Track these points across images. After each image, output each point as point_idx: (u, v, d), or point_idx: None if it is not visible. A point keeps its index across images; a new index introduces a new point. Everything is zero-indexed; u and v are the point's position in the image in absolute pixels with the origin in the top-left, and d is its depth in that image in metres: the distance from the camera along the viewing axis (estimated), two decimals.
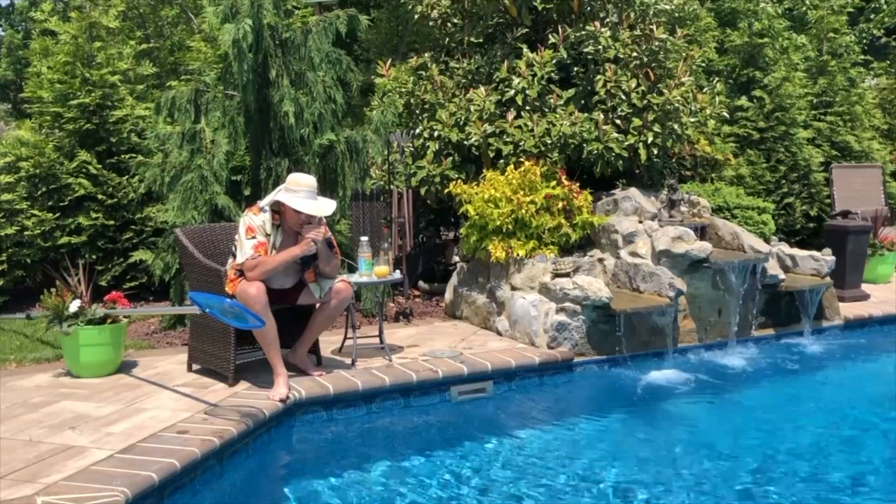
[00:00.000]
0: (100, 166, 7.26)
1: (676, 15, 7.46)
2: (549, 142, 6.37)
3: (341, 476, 3.94)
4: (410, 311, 6.59)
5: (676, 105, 6.51)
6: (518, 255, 5.87)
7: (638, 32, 6.76)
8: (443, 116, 6.84)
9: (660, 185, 6.87)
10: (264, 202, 4.64)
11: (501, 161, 6.53)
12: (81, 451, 3.71)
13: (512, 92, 6.57)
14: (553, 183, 6.17)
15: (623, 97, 6.51)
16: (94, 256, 7.09)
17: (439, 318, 6.59)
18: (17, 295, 7.18)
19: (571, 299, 5.43)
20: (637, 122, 6.46)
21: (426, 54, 7.54)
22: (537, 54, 6.63)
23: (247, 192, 6.42)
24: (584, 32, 6.66)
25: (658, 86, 6.66)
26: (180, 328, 6.13)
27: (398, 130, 7.34)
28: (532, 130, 6.43)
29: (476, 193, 6.14)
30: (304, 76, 6.23)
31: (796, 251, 6.75)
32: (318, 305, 4.82)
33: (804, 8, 11.75)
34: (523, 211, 5.93)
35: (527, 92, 6.51)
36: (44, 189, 7.23)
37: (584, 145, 6.38)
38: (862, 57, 10.62)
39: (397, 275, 5.46)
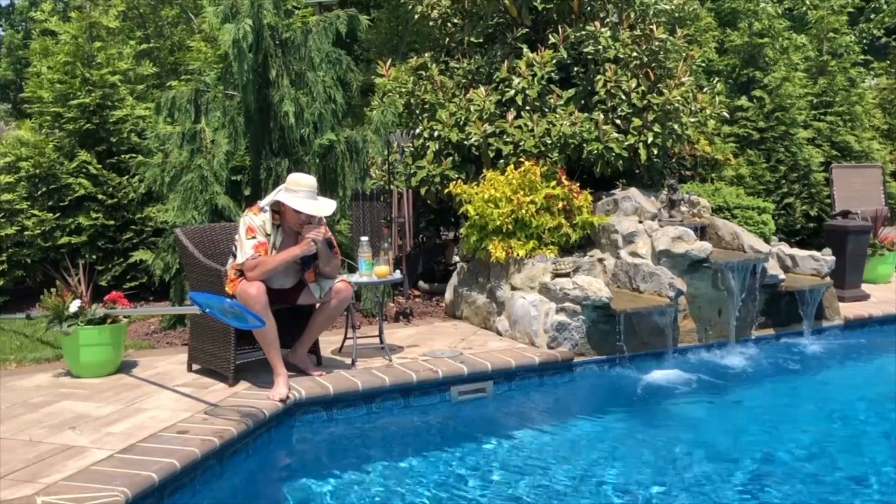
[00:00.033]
0: (100, 166, 7.26)
1: (676, 15, 7.46)
2: (549, 142, 6.37)
3: (341, 476, 3.94)
4: (410, 311, 6.59)
5: (676, 105, 6.51)
6: (518, 255, 5.87)
7: (638, 32, 6.76)
8: (443, 116, 6.84)
9: (660, 185, 6.87)
10: (264, 202, 4.64)
11: (501, 161, 6.53)
12: (81, 451, 3.71)
13: (512, 92, 6.57)
14: (553, 183, 6.17)
15: (623, 97, 6.51)
16: (94, 256, 7.09)
17: (439, 318, 6.60)
18: (17, 295, 7.18)
19: (571, 299, 5.43)
20: (637, 122, 6.46)
21: (426, 54, 7.54)
22: (537, 54, 6.63)
23: (247, 192, 6.42)
24: (584, 32, 6.66)
25: (658, 86, 6.66)
26: (180, 328, 6.13)
27: (398, 130, 7.34)
28: (532, 130, 6.43)
29: (476, 193, 6.14)
30: (304, 76, 6.24)
31: (796, 251, 6.75)
32: (318, 305, 4.82)
33: (804, 8, 11.75)
34: (523, 211, 5.93)
35: (527, 92, 6.51)
36: (44, 189, 7.23)
37: (584, 145, 6.38)
38: (862, 57, 10.63)
39: (397, 275, 5.46)
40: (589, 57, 6.69)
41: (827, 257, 6.61)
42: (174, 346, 5.81)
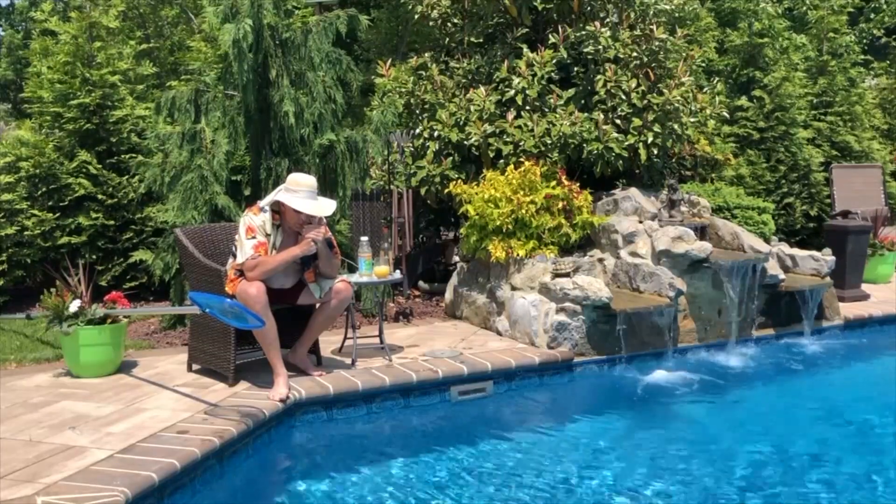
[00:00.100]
0: (100, 166, 7.26)
1: (676, 15, 7.46)
2: (549, 142, 6.37)
3: (341, 476, 3.94)
4: (410, 311, 6.59)
5: (676, 105, 6.51)
6: (518, 255, 5.87)
7: (638, 32, 6.76)
8: (443, 116, 6.84)
9: (660, 185, 6.87)
10: (264, 202, 4.64)
11: (501, 161, 6.53)
12: (81, 451, 3.71)
13: (512, 92, 6.57)
14: (553, 183, 6.17)
15: (623, 97, 6.51)
16: (94, 256, 7.09)
17: (439, 318, 6.59)
18: (17, 295, 7.18)
19: (571, 299, 5.43)
20: (637, 122, 6.46)
21: (426, 54, 7.54)
22: (537, 54, 6.63)
23: (247, 192, 6.42)
24: (584, 32, 6.66)
25: (658, 86, 6.66)
26: (180, 328, 6.13)
27: (398, 130, 7.34)
28: (532, 130, 6.43)
29: (476, 193, 6.14)
30: (304, 76, 6.24)
31: (796, 251, 6.75)
32: (318, 305, 4.82)
33: (804, 8, 11.75)
34: (523, 211, 5.93)
35: (527, 92, 6.51)
36: (44, 189, 7.23)
37: (584, 145, 6.38)
38: (862, 57, 10.63)
39: (397, 275, 5.46)
40: (589, 57, 6.69)
41: (827, 257, 6.61)
42: (174, 346, 5.81)
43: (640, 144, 6.43)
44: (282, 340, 4.57)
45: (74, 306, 4.84)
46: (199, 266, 4.83)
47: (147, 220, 7.27)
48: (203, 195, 5.94)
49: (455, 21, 7.59)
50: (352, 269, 5.65)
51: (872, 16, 14.00)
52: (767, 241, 6.84)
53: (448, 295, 6.71)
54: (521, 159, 6.31)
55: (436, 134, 6.90)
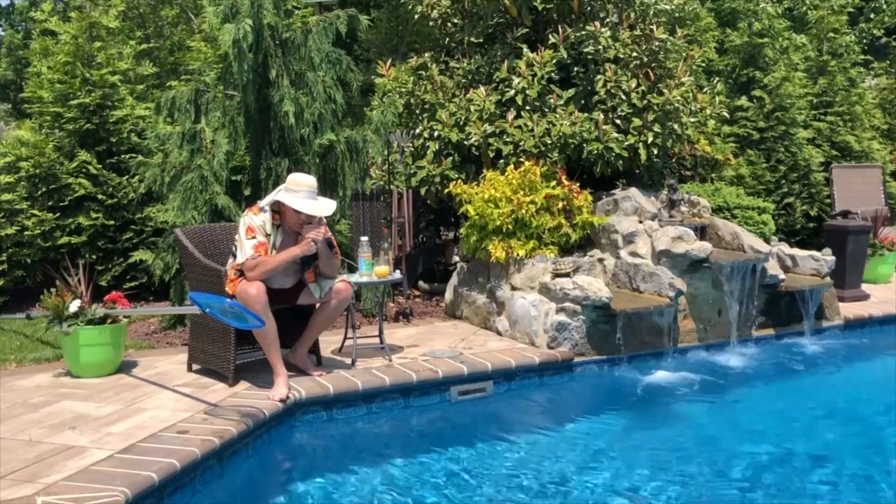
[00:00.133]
0: (100, 166, 7.26)
1: (676, 15, 7.46)
2: (549, 142, 6.37)
3: (341, 476, 3.94)
4: (410, 311, 6.59)
5: (676, 105, 6.51)
6: (518, 255, 5.87)
7: (638, 32, 6.76)
8: (443, 116, 6.84)
9: (660, 185, 6.87)
10: (264, 202, 4.64)
11: (501, 161, 6.53)
12: (81, 451, 3.71)
13: (512, 92, 6.57)
14: (553, 183, 6.17)
15: (623, 97, 6.51)
16: (94, 256, 7.09)
17: (439, 318, 6.59)
18: (17, 295, 7.18)
19: (571, 299, 5.43)
20: (637, 122, 6.46)
21: (426, 54, 7.54)
22: (537, 54, 6.63)
23: (247, 192, 6.42)
24: (584, 32, 6.66)
25: (658, 86, 6.66)
26: (180, 328, 6.13)
27: (398, 130, 7.34)
28: (532, 130, 6.43)
29: (476, 193, 6.14)
30: (304, 76, 6.24)
31: (796, 251, 6.75)
32: (318, 305, 4.82)
33: (804, 8, 11.75)
34: (523, 211, 5.93)
35: (527, 92, 6.51)
36: (44, 189, 7.23)
37: (584, 145, 6.38)
38: (862, 57, 10.62)
39: (397, 275, 5.46)
40: (589, 57, 6.69)
41: (827, 257, 6.61)
42: (174, 346, 5.81)
43: (640, 144, 6.43)
44: (282, 340, 4.57)
45: (74, 306, 4.84)
46: (199, 266, 4.83)
47: (147, 220, 7.27)
48: (203, 195, 5.94)
49: (455, 21, 7.59)
50: (352, 269, 5.65)
51: (872, 16, 14.00)
52: (767, 241, 6.84)
53: (448, 295, 6.71)
54: (521, 159, 6.31)
55: (436, 134, 6.91)
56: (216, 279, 4.68)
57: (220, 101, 6.25)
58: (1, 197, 6.99)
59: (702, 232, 6.47)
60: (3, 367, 5.23)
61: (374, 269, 5.20)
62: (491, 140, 6.59)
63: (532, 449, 4.35)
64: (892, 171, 9.94)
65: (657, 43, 6.66)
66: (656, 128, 6.45)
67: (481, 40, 7.50)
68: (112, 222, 7.22)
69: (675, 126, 6.57)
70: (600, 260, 6.19)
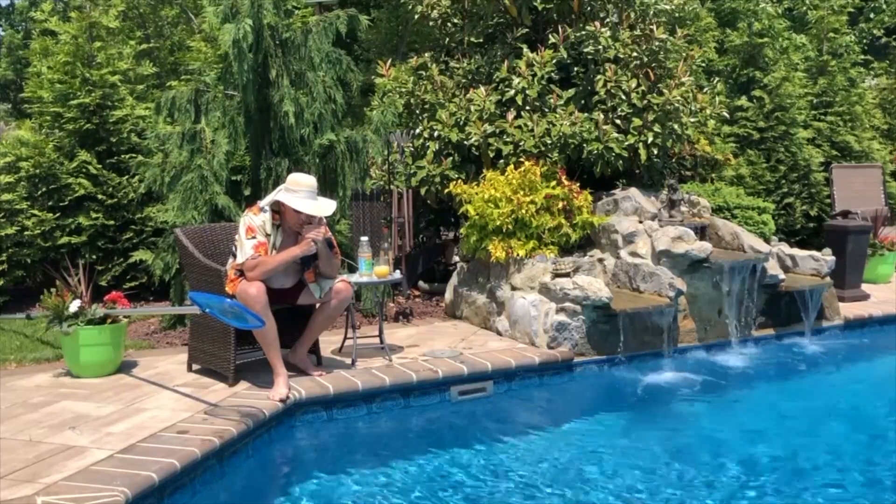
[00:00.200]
0: (100, 166, 7.26)
1: (676, 15, 7.46)
2: (549, 142, 6.37)
3: (342, 476, 3.94)
4: (410, 311, 6.59)
5: (676, 105, 6.51)
6: (518, 255, 5.87)
7: (638, 32, 6.76)
8: (443, 116, 6.84)
9: (660, 185, 6.87)
10: (264, 202, 4.64)
11: (501, 161, 6.53)
12: (81, 451, 3.71)
13: (512, 92, 6.57)
14: (553, 183, 6.17)
15: (623, 97, 6.51)
16: (94, 256, 7.09)
17: (439, 318, 6.59)
18: (17, 295, 7.18)
19: (571, 299, 5.43)
20: (637, 122, 6.46)
21: (426, 54, 7.54)
22: (537, 54, 6.63)
23: (247, 192, 6.42)
24: (584, 32, 6.66)
25: (658, 86, 6.66)
26: (180, 328, 6.13)
27: (398, 130, 7.34)
28: (532, 130, 6.43)
29: (476, 193, 6.14)
30: (304, 76, 6.24)
31: (796, 251, 6.75)
32: (318, 305, 4.82)
33: (804, 8, 11.75)
34: (523, 211, 5.93)
35: (527, 92, 6.51)
36: (44, 189, 7.23)
37: (584, 145, 6.38)
38: (862, 57, 10.62)
39: (397, 275, 5.47)
40: (589, 57, 6.69)
41: (827, 257, 6.61)
42: (174, 346, 5.81)
43: (640, 144, 6.43)
44: (282, 340, 4.57)
45: (74, 306, 4.84)
46: (199, 266, 4.83)
47: (147, 220, 7.27)
48: (203, 195, 5.94)
49: (455, 21, 7.59)
50: (352, 269, 5.65)
51: (872, 16, 14.00)
52: (767, 241, 6.84)
53: (448, 295, 6.71)
54: (521, 159, 6.31)
55: (436, 134, 6.90)
56: (216, 279, 4.68)
57: (220, 101, 6.25)
58: (1, 197, 6.99)
59: (702, 232, 6.47)
60: (3, 367, 5.23)
61: (374, 269, 5.21)
62: (491, 140, 6.59)
63: (532, 449, 4.35)
64: (892, 171, 9.94)
65: (657, 43, 6.66)
66: (656, 128, 6.45)
67: (481, 40, 7.50)
68: (112, 222, 7.22)
69: (675, 126, 6.57)
70: (600, 260, 6.19)
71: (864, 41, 13.19)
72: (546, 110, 6.59)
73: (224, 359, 4.73)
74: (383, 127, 6.67)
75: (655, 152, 6.60)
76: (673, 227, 6.03)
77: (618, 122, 6.51)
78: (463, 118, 6.73)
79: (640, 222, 6.18)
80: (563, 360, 5.37)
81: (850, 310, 6.84)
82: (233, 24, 5.84)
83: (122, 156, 7.36)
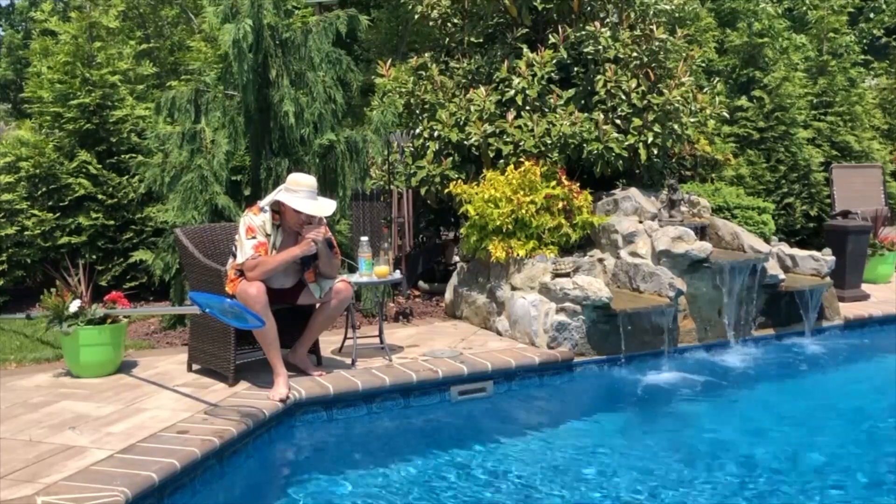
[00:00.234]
0: (100, 166, 7.26)
1: (676, 15, 7.45)
2: (549, 142, 6.37)
3: (342, 476, 3.94)
4: (410, 311, 6.59)
5: (676, 105, 6.51)
6: (518, 255, 5.87)
7: (638, 32, 6.76)
8: (443, 116, 6.84)
9: (660, 185, 6.87)
10: (264, 202, 4.64)
11: (501, 161, 6.53)
12: (81, 451, 3.71)
13: (512, 92, 6.57)
14: (553, 183, 6.17)
15: (623, 97, 6.51)
16: (94, 256, 7.09)
17: (439, 318, 6.59)
18: (17, 295, 7.18)
19: (571, 299, 5.43)
20: (637, 122, 6.46)
21: (426, 54, 7.54)
22: (537, 54, 6.63)
23: (247, 192, 6.42)
24: (584, 32, 6.66)
25: (658, 86, 6.66)
26: (180, 328, 6.13)
27: (398, 130, 7.34)
28: (532, 130, 6.43)
29: (476, 193, 6.14)
30: (304, 76, 6.24)
31: (796, 251, 6.75)
32: (318, 305, 4.82)
33: (804, 8, 11.75)
34: (523, 211, 5.93)
35: (527, 92, 6.51)
36: (44, 189, 7.23)
37: (584, 145, 6.38)
38: (862, 57, 10.62)
39: (397, 275, 5.47)
40: (589, 57, 6.69)
41: (827, 257, 6.61)
42: (174, 346, 5.81)
43: (640, 144, 6.43)
44: (282, 340, 4.57)
45: (74, 306, 4.84)
46: (199, 266, 4.83)
47: (147, 220, 7.27)
48: (203, 195, 5.94)
49: (455, 21, 7.59)
50: (352, 269, 5.65)
51: (872, 16, 14.00)
52: (767, 241, 6.84)
53: (448, 295, 6.71)
54: (521, 159, 6.31)
55: (436, 134, 6.90)
56: (216, 279, 4.68)
57: (220, 101, 6.25)
58: (1, 197, 6.99)
59: (702, 232, 6.47)
60: (3, 367, 5.23)
61: (374, 269, 5.21)
62: (491, 140, 6.59)
63: (532, 449, 4.35)
64: (892, 171, 9.94)
65: (657, 43, 6.66)
66: (656, 128, 6.45)
67: (481, 40, 7.50)
68: (112, 222, 7.22)
69: (675, 126, 6.57)
70: (600, 260, 6.19)
71: (864, 41, 13.18)
72: (546, 110, 6.59)
73: (224, 359, 4.73)
74: (383, 127, 6.67)
75: (655, 152, 6.60)
76: (673, 227, 6.03)
77: (618, 122, 6.51)
78: (463, 118, 6.73)
79: (640, 222, 6.18)
80: (563, 360, 5.37)
81: (850, 310, 6.84)
82: (233, 24, 5.84)
83: (122, 156, 7.36)
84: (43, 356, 5.44)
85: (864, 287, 7.46)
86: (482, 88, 6.72)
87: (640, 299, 5.71)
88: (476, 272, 6.40)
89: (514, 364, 5.18)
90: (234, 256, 4.60)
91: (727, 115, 8.04)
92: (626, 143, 6.42)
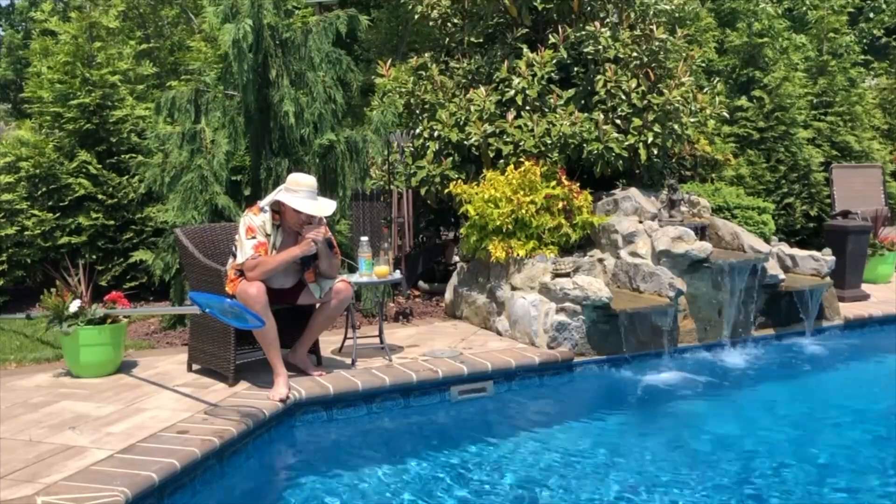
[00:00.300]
0: (100, 166, 7.26)
1: (676, 15, 7.46)
2: (549, 142, 6.37)
3: (342, 476, 3.94)
4: (410, 311, 6.59)
5: (676, 105, 6.51)
6: (518, 255, 5.87)
7: (638, 32, 6.76)
8: (443, 116, 6.84)
9: (660, 185, 6.87)
10: (264, 202, 4.64)
11: (501, 161, 6.53)
12: (81, 451, 3.71)
13: (512, 92, 6.57)
14: (553, 183, 6.17)
15: (623, 97, 6.51)
16: (94, 256, 7.09)
17: (439, 318, 6.60)
18: (17, 295, 7.19)
19: (571, 299, 5.43)
20: (637, 122, 6.46)
21: (426, 54, 7.54)
22: (537, 54, 6.64)
23: (247, 192, 6.42)
24: (584, 32, 6.66)
25: (658, 86, 6.66)
26: (180, 328, 6.13)
27: (398, 130, 7.34)
28: (532, 130, 6.43)
29: (476, 193, 6.14)
30: (304, 76, 6.24)
31: (796, 251, 6.75)
32: (318, 305, 4.82)
33: (804, 8, 11.75)
34: (523, 211, 5.93)
35: (527, 92, 6.51)
36: (44, 189, 7.23)
37: (584, 145, 6.38)
38: (862, 57, 10.62)
39: (397, 275, 5.47)
40: (589, 57, 6.69)
41: (827, 257, 6.61)
42: (174, 346, 5.81)
43: (640, 144, 6.43)
44: (282, 340, 4.57)
45: (74, 306, 4.84)
46: (199, 266, 4.83)
47: (147, 220, 7.28)
48: (203, 195, 5.95)
49: (455, 21, 7.59)
50: (352, 269, 5.65)
51: (872, 16, 14.00)
52: (767, 241, 6.84)
53: (448, 295, 6.71)
54: (521, 159, 6.31)
55: (436, 134, 6.91)
56: (216, 279, 4.68)
57: (220, 101, 6.26)
58: (1, 197, 6.99)
59: (702, 232, 6.47)
60: (3, 367, 5.23)
61: (374, 269, 5.21)
62: (491, 140, 6.59)
63: (532, 449, 4.35)
64: (892, 171, 9.94)
65: (657, 43, 6.66)
66: (656, 128, 6.45)
67: (481, 40, 7.50)
68: (112, 222, 7.22)
69: (675, 126, 6.57)
70: (600, 260, 6.19)
71: (864, 41, 13.19)
72: (546, 110, 6.59)
73: (224, 359, 4.73)
74: (383, 127, 6.67)
75: (655, 152, 6.60)
76: (673, 227, 6.03)
77: (618, 122, 6.51)
78: (463, 118, 6.73)
79: (640, 222, 6.18)
80: (563, 360, 5.37)
81: (850, 310, 6.84)
82: (233, 24, 5.84)
83: (122, 156, 7.36)
84: (43, 356, 5.44)
85: (864, 287, 7.46)
86: (482, 88, 6.72)
87: (640, 299, 5.71)
88: (476, 272, 6.40)
89: (514, 364, 5.18)
90: (234, 256, 4.60)
91: (727, 115, 8.04)
92: (626, 143, 6.42)
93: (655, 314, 5.65)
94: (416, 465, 4.10)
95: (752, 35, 9.35)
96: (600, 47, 6.57)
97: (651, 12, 6.92)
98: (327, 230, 4.65)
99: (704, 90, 7.67)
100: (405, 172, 7.26)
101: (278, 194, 4.56)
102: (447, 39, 7.68)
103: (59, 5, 11.83)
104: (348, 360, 5.13)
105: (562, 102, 6.60)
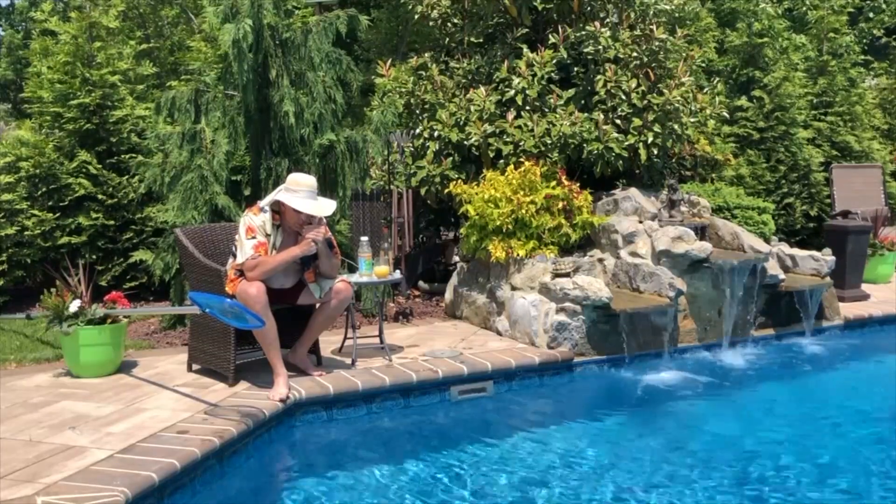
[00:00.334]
0: (100, 166, 7.26)
1: (676, 15, 7.46)
2: (549, 142, 6.37)
3: (342, 476, 3.94)
4: (410, 311, 6.59)
5: (676, 105, 6.51)
6: (518, 255, 5.87)
7: (638, 32, 6.76)
8: (443, 116, 6.84)
9: (660, 185, 6.87)
10: (264, 202, 4.64)
11: (501, 161, 6.53)
12: (81, 451, 3.71)
13: (512, 92, 6.57)
14: (553, 183, 6.17)
15: (623, 97, 6.51)
16: (94, 256, 7.09)
17: (439, 318, 6.59)
18: (17, 295, 7.19)
19: (571, 299, 5.42)
20: (637, 122, 6.46)
21: (426, 54, 7.54)
22: (537, 54, 6.63)
23: (247, 192, 6.42)
24: (584, 32, 6.66)
25: (658, 86, 6.66)
26: (180, 328, 6.13)
27: (398, 130, 7.34)
28: (532, 130, 6.43)
29: (476, 193, 6.14)
30: (304, 76, 6.24)
31: (796, 251, 6.75)
32: (318, 305, 4.82)
33: (804, 8, 11.75)
34: (523, 211, 5.93)
35: (527, 92, 6.51)
36: (44, 189, 7.23)
37: (584, 145, 6.38)
38: (862, 57, 10.62)
39: (397, 275, 5.47)
40: (589, 57, 6.69)
41: (827, 257, 6.61)
42: (174, 346, 5.81)
43: (640, 144, 6.43)
44: (282, 340, 4.57)
45: (74, 306, 4.84)
46: (199, 266, 4.83)
47: (147, 220, 7.28)
48: (203, 195, 5.94)
49: (455, 21, 7.59)
50: (352, 269, 5.65)
51: (872, 16, 14.00)
52: (767, 241, 6.84)
53: (448, 295, 6.71)
54: (521, 159, 6.31)
55: (436, 134, 6.91)
56: (216, 279, 4.68)
57: (220, 101, 6.26)
58: (1, 197, 6.99)
59: (702, 232, 6.47)
60: (3, 367, 5.23)
61: (374, 269, 5.21)
62: (491, 140, 6.59)
63: (532, 449, 4.35)
64: (892, 171, 9.94)
65: (657, 43, 6.66)
66: (656, 128, 6.45)
67: (481, 40, 7.50)
68: (112, 222, 7.22)
69: (675, 126, 6.57)
70: (600, 260, 6.19)
71: (864, 41, 13.19)
72: (546, 110, 6.59)
73: (224, 359, 4.73)
74: (383, 127, 6.67)
75: (655, 152, 6.60)
76: (673, 227, 6.03)
77: (618, 122, 6.51)
78: (463, 118, 6.73)
79: (640, 222, 6.18)
80: (563, 360, 5.37)
81: (850, 310, 6.84)
82: (233, 24, 5.84)
83: (122, 156, 7.36)
84: (43, 356, 5.44)
85: (864, 287, 7.47)
86: (482, 88, 6.72)
87: (640, 299, 5.71)
88: (476, 272, 6.40)
89: (514, 364, 5.18)
90: (234, 256, 4.60)
91: (727, 115, 8.04)
92: (626, 143, 6.42)
93: (655, 314, 5.65)
94: (416, 464, 4.09)
95: (752, 35, 9.35)
96: (600, 47, 6.57)
97: (651, 12, 6.92)
98: (327, 230, 4.65)
99: (704, 90, 7.67)
100: (405, 172, 7.26)
101: (278, 194, 4.56)
102: (447, 39, 7.68)
103: (59, 5, 11.83)
104: (348, 360, 5.13)
105: (562, 102, 6.60)
